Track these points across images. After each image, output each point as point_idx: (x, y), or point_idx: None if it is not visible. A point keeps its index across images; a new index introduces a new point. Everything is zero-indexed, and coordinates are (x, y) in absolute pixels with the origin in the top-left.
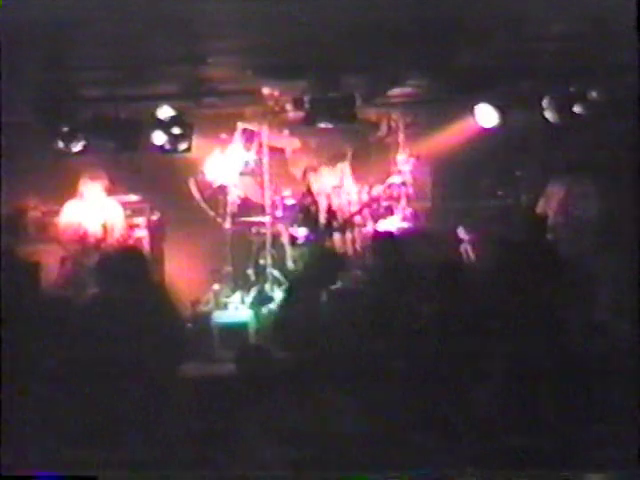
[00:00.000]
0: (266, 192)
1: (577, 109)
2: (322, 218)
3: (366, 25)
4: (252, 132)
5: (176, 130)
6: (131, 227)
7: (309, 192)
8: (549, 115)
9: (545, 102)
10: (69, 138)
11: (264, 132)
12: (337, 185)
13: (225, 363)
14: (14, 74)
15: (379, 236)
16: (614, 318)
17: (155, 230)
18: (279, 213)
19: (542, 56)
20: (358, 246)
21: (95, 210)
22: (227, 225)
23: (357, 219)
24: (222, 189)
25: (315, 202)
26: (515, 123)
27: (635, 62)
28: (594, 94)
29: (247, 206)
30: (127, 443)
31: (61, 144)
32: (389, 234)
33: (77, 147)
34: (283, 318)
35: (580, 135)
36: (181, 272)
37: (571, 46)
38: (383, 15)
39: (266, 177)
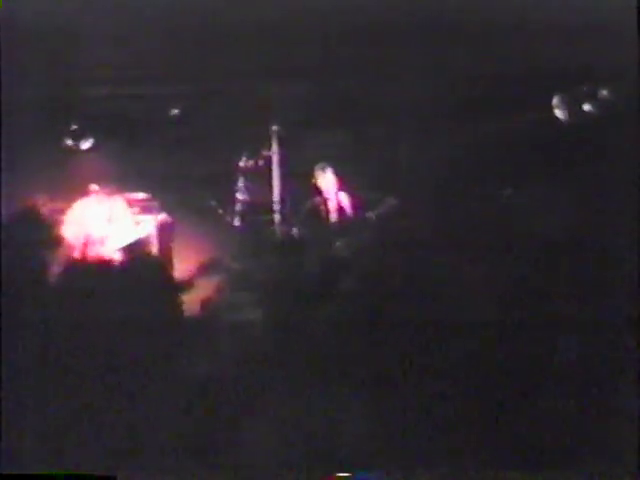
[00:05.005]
0: (275, 190)
1: (587, 107)
2: (332, 217)
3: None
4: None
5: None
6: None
7: (318, 191)
8: (559, 114)
9: (555, 101)
10: (78, 136)
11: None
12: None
13: (233, 362)
14: (19, 72)
15: None
16: (614, 318)
17: (163, 228)
18: (288, 212)
19: (548, 55)
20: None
21: (103, 208)
22: (236, 223)
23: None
24: None
25: (324, 201)
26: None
27: (635, 62)
28: (599, 94)
29: (256, 204)
30: (146, 443)
31: (70, 142)
32: None
33: (86, 144)
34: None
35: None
36: (189, 269)
37: (574, 45)
38: (379, 15)
39: (275, 175)
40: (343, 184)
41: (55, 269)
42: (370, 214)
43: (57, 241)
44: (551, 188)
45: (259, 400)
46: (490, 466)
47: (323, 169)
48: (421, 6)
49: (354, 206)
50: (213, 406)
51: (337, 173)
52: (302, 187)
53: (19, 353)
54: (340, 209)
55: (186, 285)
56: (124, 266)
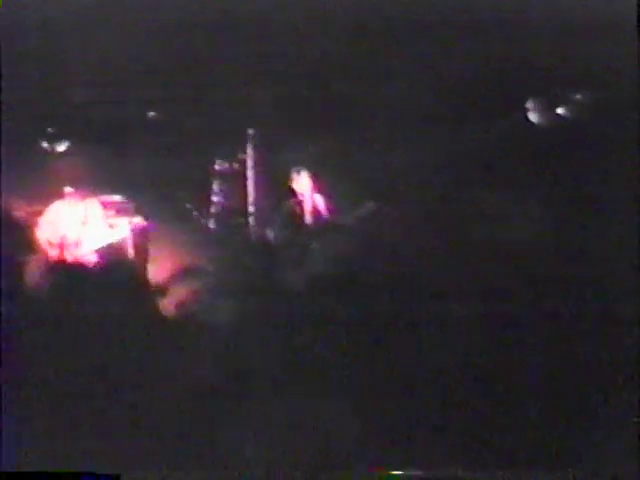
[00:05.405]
0: (250, 193)
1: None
2: (307, 220)
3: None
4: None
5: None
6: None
7: (293, 193)
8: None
9: (529, 104)
10: (54, 138)
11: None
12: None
13: (209, 362)
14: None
15: None
16: (614, 319)
17: (138, 230)
18: (263, 214)
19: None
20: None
21: (77, 211)
22: (211, 225)
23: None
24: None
25: (300, 203)
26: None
27: (635, 63)
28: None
29: (231, 207)
30: (152, 442)
31: (46, 144)
32: None
33: (61, 147)
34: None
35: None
36: (164, 272)
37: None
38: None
39: (250, 178)
40: (319, 187)
41: (31, 270)
42: (348, 218)
43: (33, 243)
44: (533, 192)
45: (244, 400)
46: (490, 466)
47: (298, 172)
48: (402, 11)
49: (330, 209)
50: (199, 405)
51: (313, 176)
52: (278, 190)
53: (17, 354)
54: (315, 212)
55: (161, 288)
56: (99, 268)
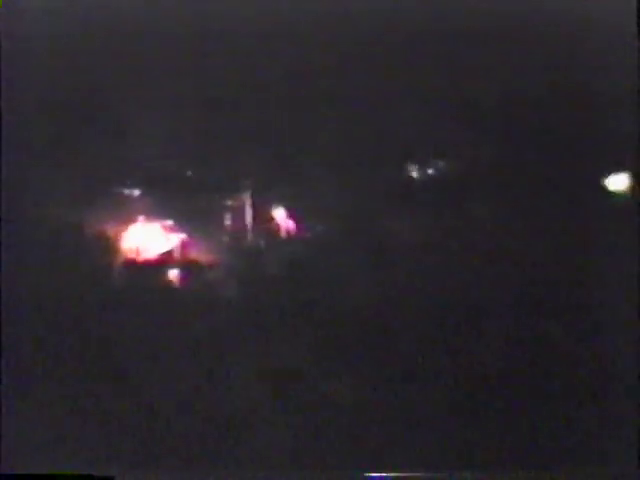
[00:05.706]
0: (247, 219)
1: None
2: (282, 235)
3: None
4: None
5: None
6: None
7: (273, 219)
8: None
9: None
10: (131, 188)
11: (245, 184)
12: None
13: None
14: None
15: None
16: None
17: (183, 242)
18: (255, 231)
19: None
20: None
21: (147, 230)
22: (224, 239)
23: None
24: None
25: (278, 225)
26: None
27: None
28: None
29: (236, 227)
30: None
31: (126, 191)
32: None
33: (136, 193)
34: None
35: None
36: (199, 267)
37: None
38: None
39: (247, 210)
40: (289, 215)
41: (119, 266)
42: (307, 234)
43: (119, 249)
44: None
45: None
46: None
47: (277, 205)
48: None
49: (297, 229)
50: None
51: (286, 208)
52: (263, 216)
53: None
54: (287, 230)
55: (197, 276)
56: (160, 264)
